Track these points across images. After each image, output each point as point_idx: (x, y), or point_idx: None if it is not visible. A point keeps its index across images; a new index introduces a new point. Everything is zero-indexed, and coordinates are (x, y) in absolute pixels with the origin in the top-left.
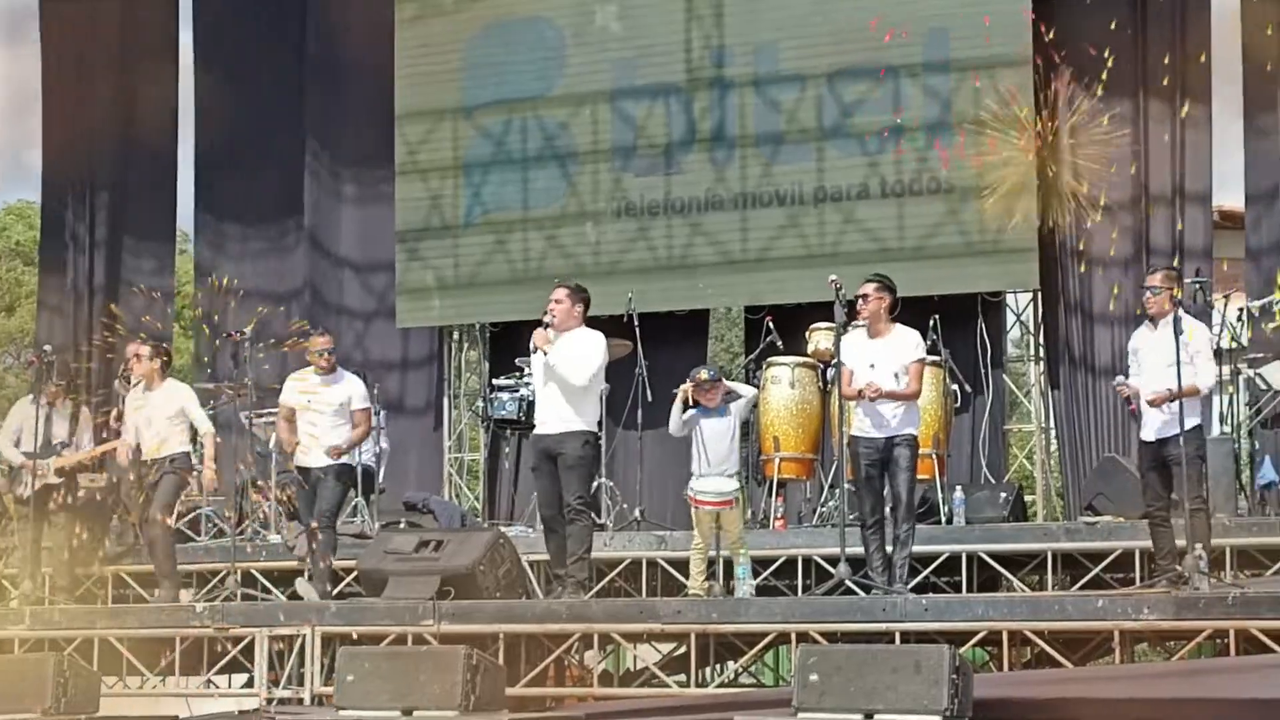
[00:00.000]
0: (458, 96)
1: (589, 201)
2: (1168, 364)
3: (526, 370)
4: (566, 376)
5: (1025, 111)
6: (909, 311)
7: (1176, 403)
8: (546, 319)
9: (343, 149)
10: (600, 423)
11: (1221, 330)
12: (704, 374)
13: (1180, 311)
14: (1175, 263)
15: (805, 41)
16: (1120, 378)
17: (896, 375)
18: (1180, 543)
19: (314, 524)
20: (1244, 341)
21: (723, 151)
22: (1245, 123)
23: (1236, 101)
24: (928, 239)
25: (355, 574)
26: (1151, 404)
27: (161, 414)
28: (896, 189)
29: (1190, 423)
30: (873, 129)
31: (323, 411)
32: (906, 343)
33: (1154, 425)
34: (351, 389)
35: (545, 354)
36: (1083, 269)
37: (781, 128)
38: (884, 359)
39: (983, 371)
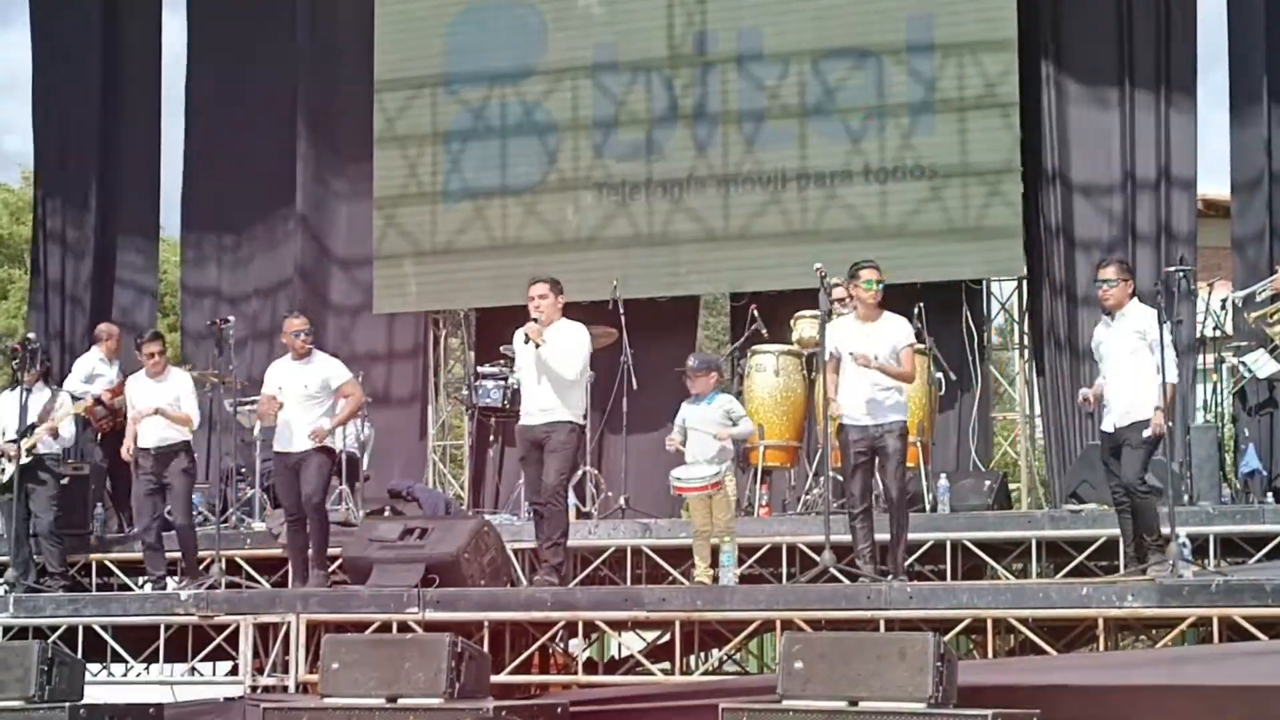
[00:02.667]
0: (437, 66)
1: (569, 174)
2: (1130, 352)
3: (511, 355)
4: (559, 371)
5: (1009, 93)
6: (892, 299)
7: (1136, 395)
8: (535, 317)
9: (332, 144)
10: (585, 413)
11: (1205, 318)
12: (690, 361)
13: (1135, 301)
14: (1161, 248)
15: (789, 22)
16: (1083, 390)
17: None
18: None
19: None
20: (1227, 330)
21: (705, 129)
22: (1231, 111)
23: (1220, 89)
24: (910, 219)
25: (340, 562)
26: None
27: (163, 402)
28: (879, 171)
29: (1146, 412)
30: (856, 110)
31: (297, 397)
32: (898, 330)
33: (1112, 417)
34: (328, 370)
35: (538, 346)
36: (1067, 252)
37: (764, 107)
38: (870, 345)
39: (968, 359)
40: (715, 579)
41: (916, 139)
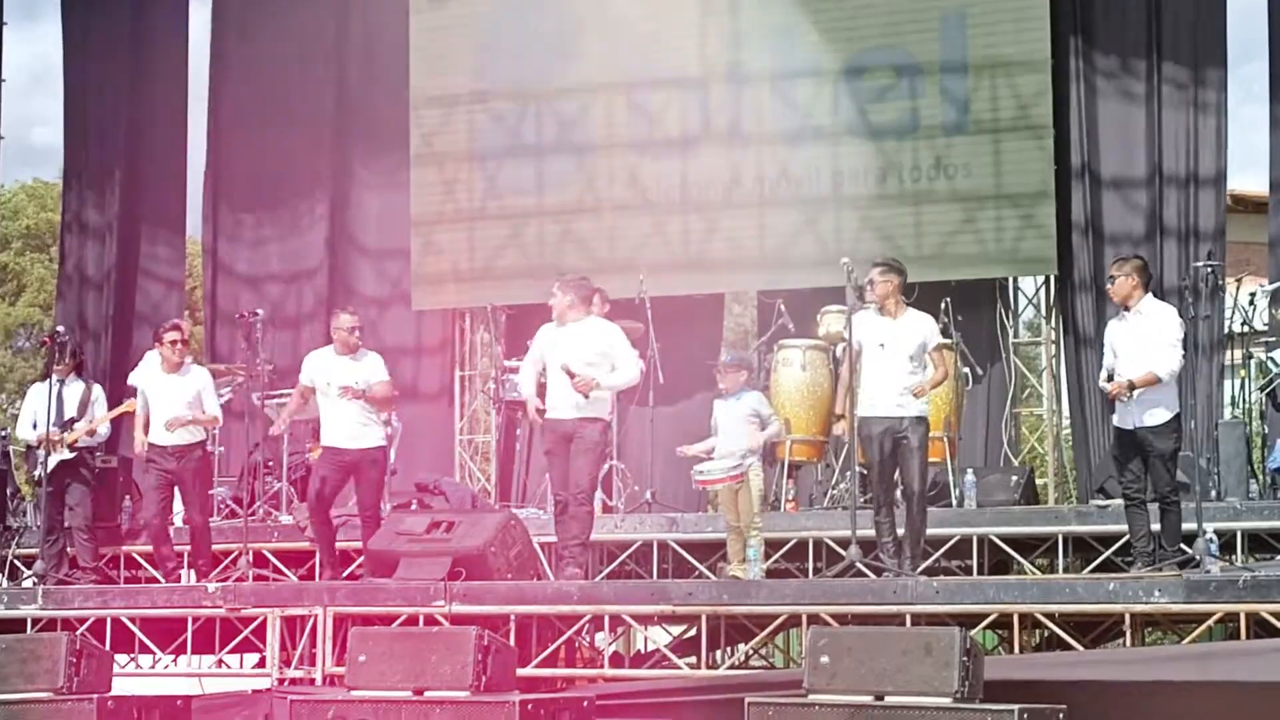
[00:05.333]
0: (473, 82)
1: (604, 193)
2: (1143, 351)
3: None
4: (616, 385)
5: (1043, 115)
6: (921, 291)
7: (1154, 394)
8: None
9: (360, 134)
10: (613, 409)
11: (1233, 313)
12: (723, 356)
13: (1148, 296)
14: (1189, 243)
15: (822, 41)
16: (1103, 382)
17: (911, 358)
18: (1155, 526)
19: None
20: (1256, 325)
21: (739, 147)
22: (1271, 107)
23: (1251, 84)
24: (945, 245)
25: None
26: (1112, 396)
27: (182, 398)
28: (914, 194)
29: (1163, 416)
30: (889, 128)
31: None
32: (923, 329)
33: (1125, 413)
34: (374, 368)
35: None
36: (1095, 247)
37: (797, 124)
38: (896, 340)
39: (1000, 353)
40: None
41: (950, 161)
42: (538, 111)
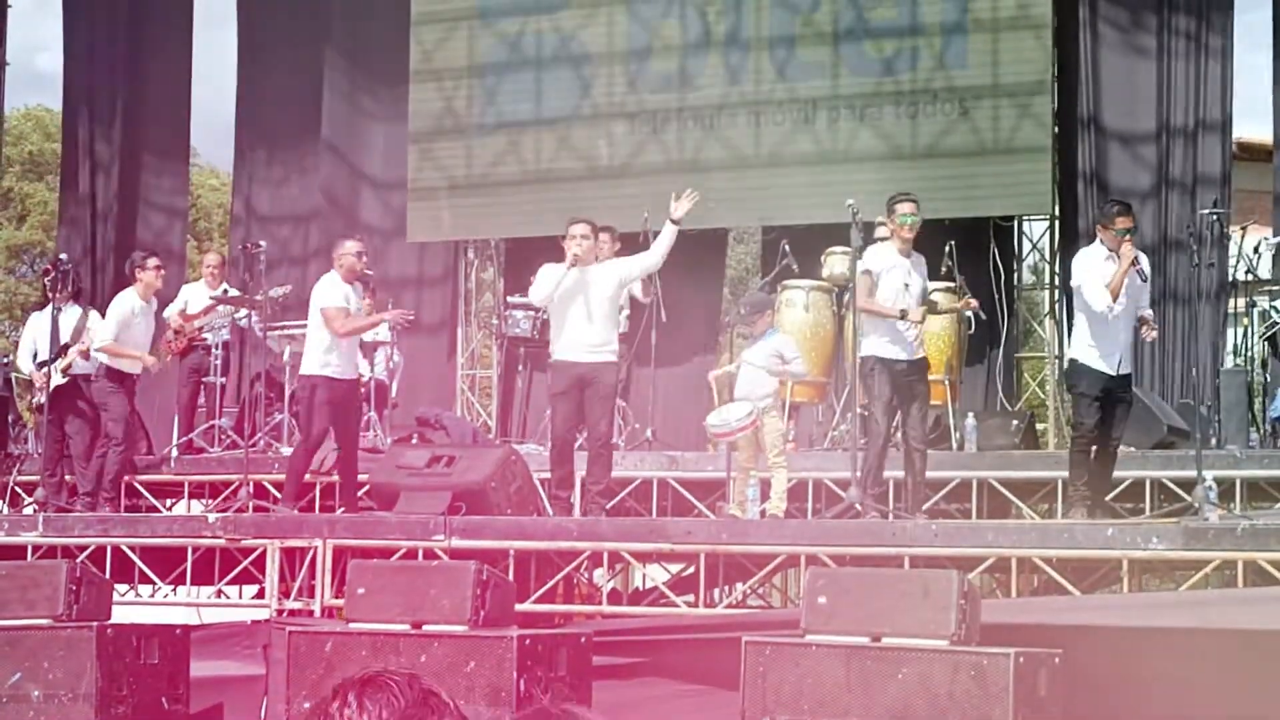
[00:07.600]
0: (474, 5)
1: (602, 104)
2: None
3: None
4: (612, 311)
5: (1043, 13)
6: (923, 236)
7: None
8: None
9: (364, 64)
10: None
11: (1238, 262)
12: (741, 309)
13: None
14: (1194, 193)
15: None
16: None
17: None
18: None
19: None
20: (1260, 274)
21: (737, 56)
22: (1275, 58)
23: (1260, 30)
24: (940, 140)
25: (367, 488)
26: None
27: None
28: (911, 94)
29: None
30: (888, 27)
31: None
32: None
33: (1114, 361)
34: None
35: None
36: (1100, 198)
37: (797, 32)
38: (916, 279)
39: (997, 299)
40: (763, 513)
41: (949, 61)
42: (538, 25)
